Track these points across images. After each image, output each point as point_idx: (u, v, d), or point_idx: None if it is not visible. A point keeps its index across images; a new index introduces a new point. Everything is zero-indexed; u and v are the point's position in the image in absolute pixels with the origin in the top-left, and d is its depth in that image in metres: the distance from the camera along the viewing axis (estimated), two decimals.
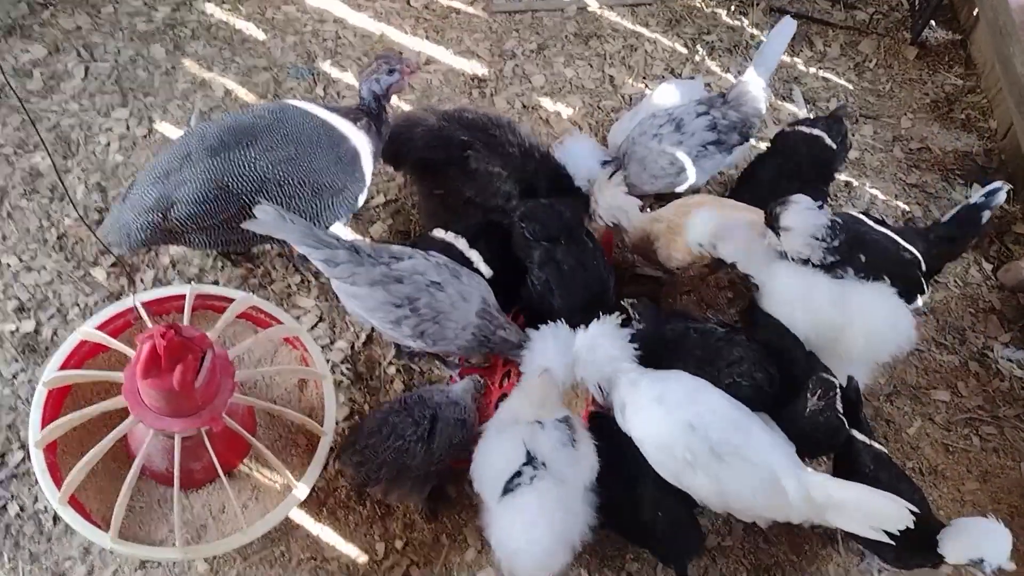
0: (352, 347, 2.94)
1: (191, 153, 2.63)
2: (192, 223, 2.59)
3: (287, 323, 2.61)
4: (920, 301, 2.83)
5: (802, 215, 2.56)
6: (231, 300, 2.57)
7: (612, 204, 2.94)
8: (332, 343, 2.95)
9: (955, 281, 3.30)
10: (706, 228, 2.67)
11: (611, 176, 2.96)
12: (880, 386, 2.99)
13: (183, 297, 2.54)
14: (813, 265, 2.62)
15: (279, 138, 2.67)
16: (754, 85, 3.10)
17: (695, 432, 2.24)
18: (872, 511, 2.19)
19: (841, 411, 2.39)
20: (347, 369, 2.88)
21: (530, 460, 2.27)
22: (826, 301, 2.57)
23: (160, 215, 2.57)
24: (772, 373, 2.49)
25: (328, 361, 2.87)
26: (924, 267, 2.78)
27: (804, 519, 2.28)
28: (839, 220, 2.63)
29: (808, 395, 2.37)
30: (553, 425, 2.36)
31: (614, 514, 2.40)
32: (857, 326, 2.55)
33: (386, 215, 3.29)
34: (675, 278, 3.14)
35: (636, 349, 2.44)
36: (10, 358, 2.79)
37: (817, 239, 2.57)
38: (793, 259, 2.63)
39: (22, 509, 2.53)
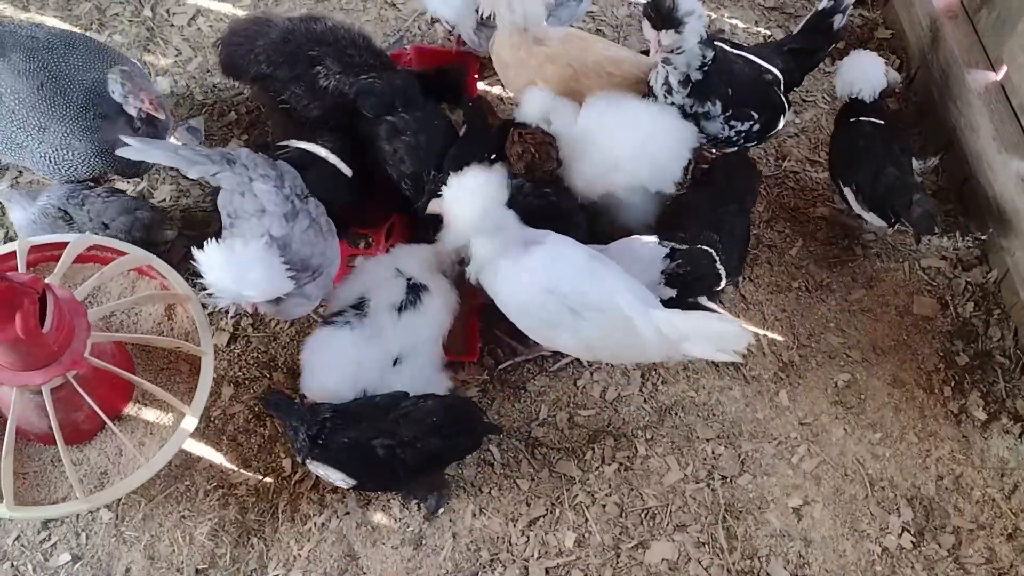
0: None
1: None
2: None
3: (133, 252, 2.50)
4: (783, 122, 2.82)
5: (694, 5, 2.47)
6: (65, 243, 2.44)
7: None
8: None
9: (823, 97, 3.30)
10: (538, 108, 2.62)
11: None
12: (759, 212, 3.00)
13: (12, 255, 2.40)
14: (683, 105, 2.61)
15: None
16: None
17: (552, 295, 2.24)
18: (715, 335, 2.24)
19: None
20: None
21: (357, 305, 2.39)
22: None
23: None
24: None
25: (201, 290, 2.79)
26: (783, 85, 2.75)
27: (664, 355, 2.33)
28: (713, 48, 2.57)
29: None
30: (398, 284, 2.42)
31: None
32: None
33: (239, 131, 3.14)
34: None
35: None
36: None
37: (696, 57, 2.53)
38: (666, 85, 2.59)
39: None
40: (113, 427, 2.23)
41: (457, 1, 2.88)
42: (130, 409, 2.49)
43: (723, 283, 2.50)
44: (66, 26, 3.30)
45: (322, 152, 2.71)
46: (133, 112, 2.55)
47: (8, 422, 2.15)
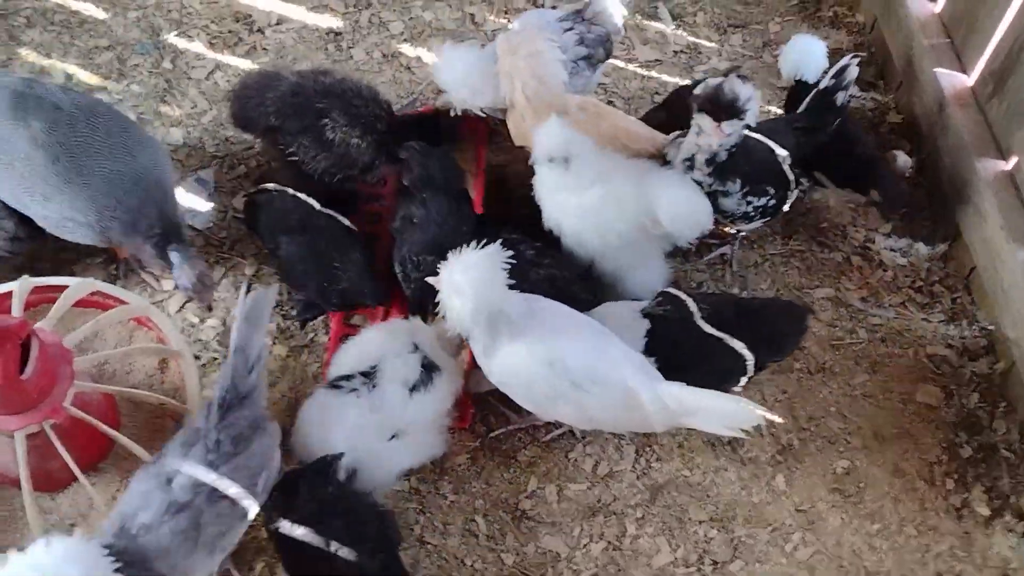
0: (224, 323, 2.83)
1: None
2: None
3: (133, 302, 2.49)
4: (791, 200, 2.80)
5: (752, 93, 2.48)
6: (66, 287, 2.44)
7: (537, 62, 2.69)
8: (203, 321, 2.83)
9: None
10: (555, 142, 2.55)
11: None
12: (762, 290, 2.97)
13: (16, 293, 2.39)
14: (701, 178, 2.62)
15: None
16: (610, 1, 3.02)
17: (554, 368, 2.19)
18: (722, 414, 2.19)
19: None
20: (219, 345, 2.78)
21: (368, 373, 2.34)
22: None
23: None
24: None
25: (199, 341, 2.77)
26: (794, 161, 2.75)
27: (666, 427, 2.29)
28: None
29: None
30: (413, 361, 2.35)
31: None
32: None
33: (248, 185, 3.15)
34: None
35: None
36: None
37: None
38: (688, 161, 2.60)
39: None
40: (85, 482, 2.18)
41: (488, 90, 2.85)
42: (111, 459, 2.45)
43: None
44: (87, 75, 3.37)
45: (322, 208, 2.74)
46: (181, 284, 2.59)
47: None
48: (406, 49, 3.55)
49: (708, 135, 2.51)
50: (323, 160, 2.82)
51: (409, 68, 3.51)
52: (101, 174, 2.47)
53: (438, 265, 2.24)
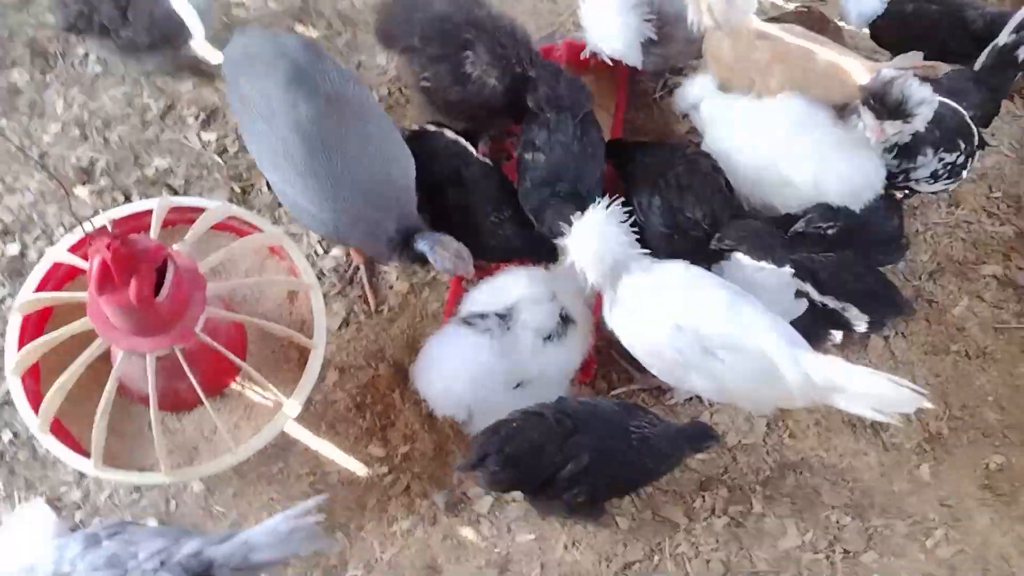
0: (346, 254, 2.78)
1: None
2: None
3: (268, 230, 2.45)
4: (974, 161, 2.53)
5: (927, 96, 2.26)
6: (205, 210, 2.42)
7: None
8: (327, 251, 2.79)
9: (1010, 144, 2.96)
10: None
11: None
12: (922, 263, 2.72)
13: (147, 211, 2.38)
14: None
15: None
16: None
17: (683, 333, 2.05)
18: (874, 395, 1.99)
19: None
20: (337, 277, 2.73)
21: (504, 315, 2.25)
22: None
23: None
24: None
25: (321, 269, 2.73)
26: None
27: (808, 403, 2.11)
28: None
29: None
30: (552, 310, 2.24)
31: None
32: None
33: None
34: None
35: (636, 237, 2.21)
36: None
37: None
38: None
39: (15, 436, 2.48)
40: (210, 408, 2.18)
41: (629, 34, 2.67)
42: (236, 385, 2.45)
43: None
44: None
45: (453, 135, 2.63)
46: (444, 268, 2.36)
47: (108, 383, 2.13)
48: None
49: (869, 132, 2.28)
50: (455, 94, 2.68)
51: None
52: (350, 179, 2.25)
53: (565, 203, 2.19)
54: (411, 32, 2.70)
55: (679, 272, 2.13)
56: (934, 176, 2.48)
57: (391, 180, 2.33)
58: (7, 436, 2.48)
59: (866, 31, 2.83)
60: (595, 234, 2.12)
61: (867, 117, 2.29)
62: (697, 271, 2.15)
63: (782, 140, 2.40)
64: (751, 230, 2.33)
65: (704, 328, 2.04)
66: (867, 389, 2.01)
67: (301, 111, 2.21)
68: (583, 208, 2.21)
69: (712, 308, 2.08)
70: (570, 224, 2.16)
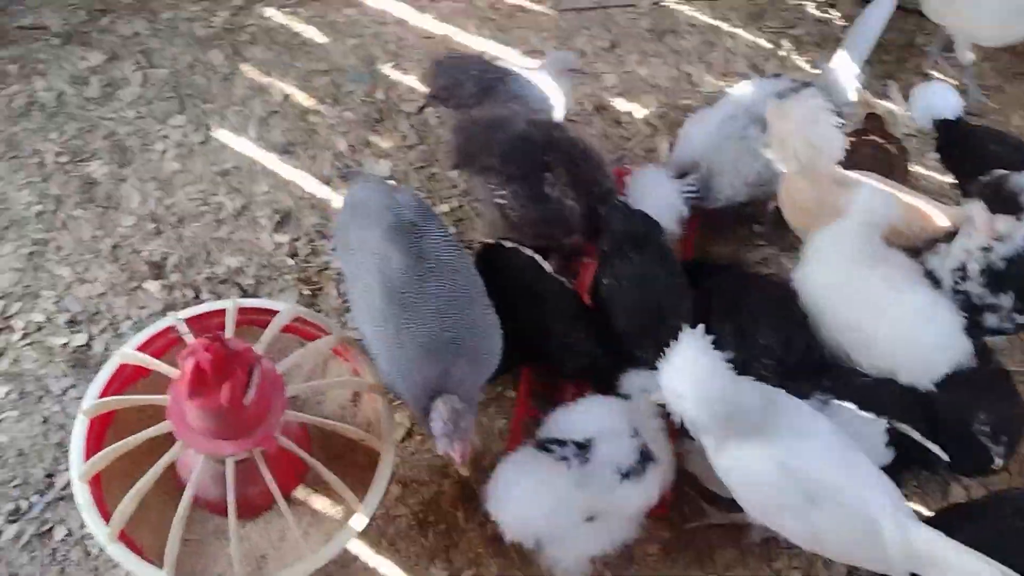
0: None
1: None
2: None
3: (335, 333, 2.43)
4: None
5: None
6: (275, 312, 2.40)
7: (812, 128, 2.48)
8: None
9: None
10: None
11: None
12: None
13: (225, 313, 2.36)
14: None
15: None
16: (844, 72, 2.83)
17: (787, 473, 1.96)
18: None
19: None
20: None
21: (582, 445, 2.16)
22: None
23: None
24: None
25: None
26: None
27: (904, 572, 1.96)
28: None
29: None
30: (632, 446, 2.19)
31: None
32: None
33: (449, 223, 3.10)
34: None
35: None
36: (60, 373, 2.67)
37: None
38: (960, 271, 2.34)
39: (69, 534, 2.40)
40: (288, 512, 2.11)
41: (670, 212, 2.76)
42: (299, 493, 2.38)
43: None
44: (303, 96, 3.40)
45: (529, 252, 2.63)
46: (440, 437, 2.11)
47: (187, 488, 2.07)
48: (618, 103, 3.45)
49: (978, 229, 2.27)
50: (532, 212, 2.72)
51: (619, 122, 3.40)
52: (414, 341, 2.16)
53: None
54: (490, 152, 2.76)
55: (789, 408, 2.07)
56: (1000, 331, 2.44)
57: (456, 355, 2.18)
58: (60, 533, 2.40)
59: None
60: (695, 371, 1.99)
61: (978, 211, 2.27)
62: (806, 408, 2.10)
63: (873, 299, 2.35)
64: (861, 382, 2.30)
65: (812, 474, 1.97)
66: (961, 568, 1.88)
67: (392, 263, 2.23)
68: (673, 338, 2.19)
69: (823, 455, 2.00)
70: (662, 356, 2.13)
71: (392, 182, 3.09)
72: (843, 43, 2.82)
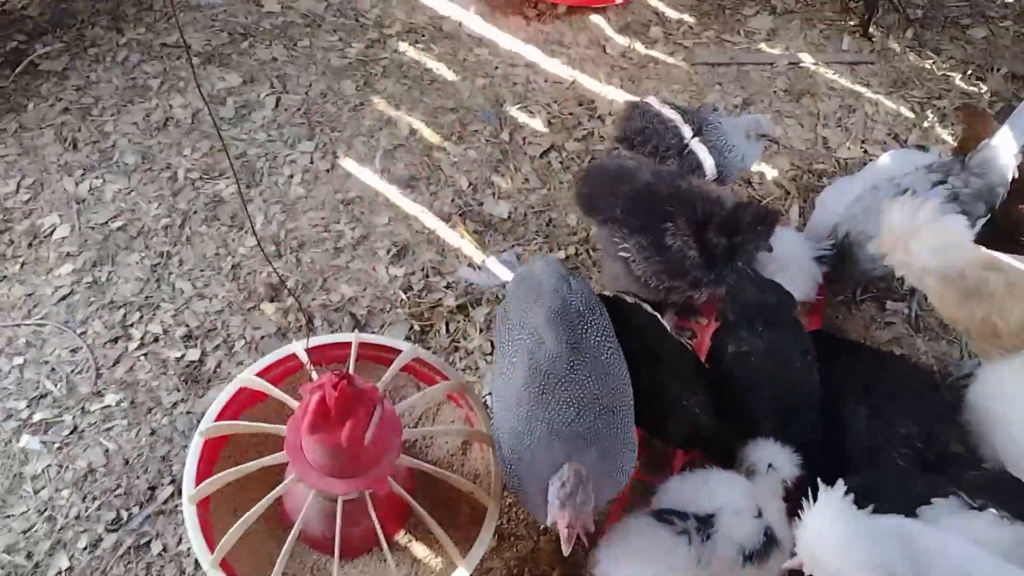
0: None
1: None
2: None
3: (453, 378, 2.37)
4: None
5: None
6: (395, 350, 2.36)
7: (940, 244, 2.38)
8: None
9: None
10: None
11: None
12: None
13: (345, 345, 2.33)
14: None
15: None
16: (1005, 149, 2.66)
17: None
18: None
19: None
20: None
21: (705, 520, 2.04)
22: None
23: None
24: None
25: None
26: None
27: None
28: None
29: None
30: (757, 527, 2.05)
31: None
32: None
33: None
34: None
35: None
36: (172, 386, 2.69)
37: None
38: None
39: (165, 549, 2.39)
40: (390, 557, 2.04)
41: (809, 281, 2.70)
42: (400, 537, 2.32)
43: None
44: (429, 132, 3.40)
45: (651, 310, 2.53)
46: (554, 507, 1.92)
47: (296, 524, 2.03)
48: None
49: None
50: (655, 263, 2.64)
51: (750, 182, 3.29)
52: (550, 424, 2.02)
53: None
54: (614, 203, 2.69)
55: (944, 552, 1.82)
56: None
57: (586, 449, 2.01)
58: (156, 548, 2.39)
59: None
60: (837, 537, 1.77)
61: None
62: (962, 549, 1.86)
63: None
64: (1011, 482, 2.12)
65: None
66: None
67: (546, 347, 2.12)
68: (802, 435, 2.07)
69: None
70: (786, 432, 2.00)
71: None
72: (1008, 120, 2.66)
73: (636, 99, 3.16)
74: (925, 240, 2.37)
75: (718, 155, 2.87)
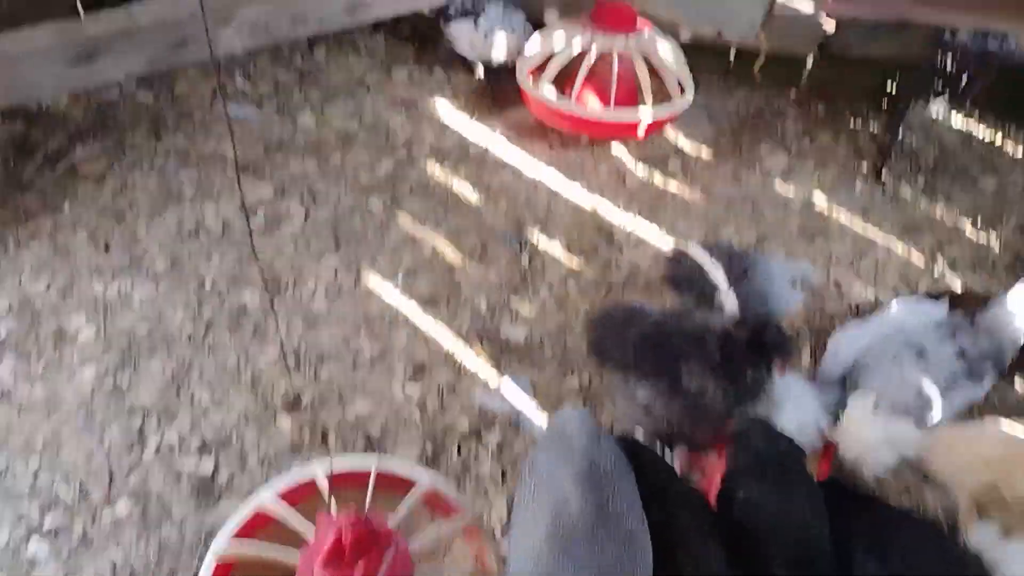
0: None
1: None
2: None
3: (466, 512, 2.38)
4: None
5: None
6: (410, 480, 2.38)
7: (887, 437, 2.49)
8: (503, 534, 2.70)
9: None
10: None
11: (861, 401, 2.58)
12: None
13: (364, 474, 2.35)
14: None
15: None
16: (1019, 308, 2.72)
17: None
18: None
19: None
20: None
21: None
22: None
23: None
24: None
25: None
26: None
27: None
28: None
29: None
30: None
31: None
32: None
33: (577, 400, 3.07)
34: None
35: None
36: (183, 498, 2.70)
37: None
38: None
39: None
40: None
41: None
42: None
43: None
44: (451, 251, 3.50)
45: (668, 462, 2.55)
46: None
47: None
48: None
49: None
50: (674, 408, 2.67)
51: None
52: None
53: None
54: (624, 347, 2.73)
55: None
56: None
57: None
58: None
59: None
60: None
61: None
62: None
63: None
64: None
65: None
66: None
67: (570, 507, 2.12)
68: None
69: None
70: None
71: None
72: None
73: (681, 243, 3.24)
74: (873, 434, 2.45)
75: (761, 301, 2.92)
